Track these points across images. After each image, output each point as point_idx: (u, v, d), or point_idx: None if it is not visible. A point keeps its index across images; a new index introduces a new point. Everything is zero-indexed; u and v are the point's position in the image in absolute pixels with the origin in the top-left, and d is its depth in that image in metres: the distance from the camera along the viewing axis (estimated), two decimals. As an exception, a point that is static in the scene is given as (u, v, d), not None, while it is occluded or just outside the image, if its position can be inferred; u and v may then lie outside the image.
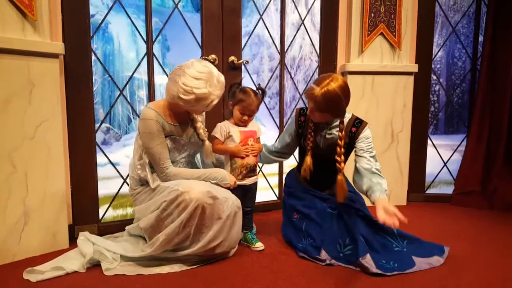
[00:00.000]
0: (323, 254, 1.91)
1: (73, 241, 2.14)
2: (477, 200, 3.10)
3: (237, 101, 2.07)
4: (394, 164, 3.09)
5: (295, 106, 2.88)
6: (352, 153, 2.15)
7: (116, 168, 2.33)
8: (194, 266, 1.88)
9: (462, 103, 3.16)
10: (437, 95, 3.14)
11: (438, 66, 3.13)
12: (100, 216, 2.33)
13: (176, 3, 2.40)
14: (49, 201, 2.04)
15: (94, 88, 2.22)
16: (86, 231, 2.13)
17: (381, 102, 3.02)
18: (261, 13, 2.70)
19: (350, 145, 2.12)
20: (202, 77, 1.83)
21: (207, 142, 2.10)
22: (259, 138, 2.19)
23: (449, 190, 3.22)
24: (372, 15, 2.95)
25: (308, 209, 2.08)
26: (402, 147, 3.08)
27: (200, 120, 2.10)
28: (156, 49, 2.37)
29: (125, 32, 2.29)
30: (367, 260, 1.79)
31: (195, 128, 2.07)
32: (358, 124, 2.12)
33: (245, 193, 2.14)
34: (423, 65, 3.10)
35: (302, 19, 2.86)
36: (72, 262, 1.84)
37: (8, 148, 1.89)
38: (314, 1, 2.87)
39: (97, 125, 2.24)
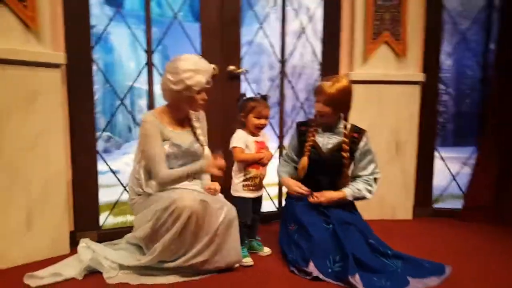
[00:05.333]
0: (311, 266, 2.02)
1: (74, 246, 2.29)
2: (488, 215, 3.13)
3: (250, 109, 2.26)
4: (399, 177, 3.18)
5: (296, 115, 3.05)
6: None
7: (116, 176, 2.51)
8: (195, 278, 2.01)
9: (472, 113, 3.27)
10: (445, 105, 3.26)
11: (447, 75, 3.25)
12: (101, 222, 2.51)
13: (176, 12, 2.60)
14: (50, 208, 2.22)
15: (96, 97, 2.42)
16: (87, 237, 2.30)
17: (385, 112, 3.12)
18: (261, 22, 2.88)
19: (351, 152, 2.29)
20: (186, 59, 2.04)
21: (206, 149, 2.25)
22: (267, 146, 2.38)
23: (458, 204, 3.27)
24: (377, 22, 3.10)
25: (303, 221, 2.20)
26: (407, 159, 3.17)
27: (199, 127, 2.26)
28: (156, 58, 2.57)
29: (126, 42, 2.49)
30: (356, 279, 1.89)
31: (195, 135, 2.24)
32: (358, 130, 2.33)
33: (256, 203, 2.33)
34: (431, 74, 3.19)
35: (303, 27, 3.02)
36: (70, 269, 2.00)
37: (10, 156, 2.07)
38: (316, 8, 3.04)
39: (98, 134, 2.44)
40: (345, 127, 2.31)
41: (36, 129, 2.15)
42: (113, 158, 2.45)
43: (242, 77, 2.84)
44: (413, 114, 3.16)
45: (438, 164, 3.29)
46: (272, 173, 2.55)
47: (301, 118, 2.84)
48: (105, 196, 2.49)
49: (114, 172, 2.49)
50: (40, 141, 2.17)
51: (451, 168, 3.30)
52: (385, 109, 3.13)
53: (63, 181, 2.27)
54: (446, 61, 3.27)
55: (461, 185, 3.29)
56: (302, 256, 2.11)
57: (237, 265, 2.15)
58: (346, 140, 2.27)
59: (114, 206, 2.53)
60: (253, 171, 2.25)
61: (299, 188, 2.29)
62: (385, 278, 1.98)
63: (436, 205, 3.34)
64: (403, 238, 2.73)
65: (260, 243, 2.39)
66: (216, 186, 2.15)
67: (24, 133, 2.11)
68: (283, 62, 2.95)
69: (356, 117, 3.08)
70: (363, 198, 2.31)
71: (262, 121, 2.26)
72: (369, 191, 2.31)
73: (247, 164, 2.26)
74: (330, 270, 2.03)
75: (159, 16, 2.54)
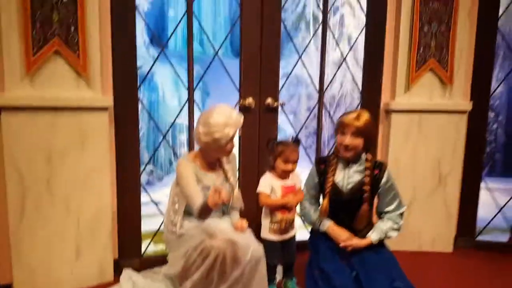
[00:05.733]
0: None
1: (118, 274, 2.50)
2: None
3: (279, 153, 2.30)
4: (441, 208, 3.11)
5: (333, 145, 3.06)
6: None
7: (158, 207, 2.70)
8: None
9: (523, 143, 3.14)
10: (494, 133, 3.13)
11: (497, 102, 3.12)
12: (143, 250, 2.71)
13: (217, 50, 2.71)
14: (97, 238, 2.44)
15: (140, 134, 2.60)
16: (130, 264, 2.52)
17: (428, 143, 3.05)
18: (300, 54, 2.92)
19: (373, 190, 2.28)
20: (220, 112, 2.12)
21: (236, 191, 2.37)
22: (300, 188, 2.42)
23: (504, 238, 3.17)
24: (421, 49, 3.03)
25: (327, 268, 2.20)
26: (450, 191, 3.09)
27: (229, 168, 2.38)
28: (197, 95, 2.70)
29: (169, 81, 2.64)
30: None
31: (226, 177, 2.36)
32: (379, 166, 2.31)
33: (284, 247, 2.39)
34: (479, 101, 3.08)
35: (344, 55, 3.02)
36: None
37: (65, 192, 2.30)
38: (358, 36, 3.02)
39: (142, 167, 2.63)
40: (366, 161, 2.28)
41: (87, 167, 2.36)
42: (155, 189, 2.61)
43: (279, 109, 2.90)
44: (457, 144, 3.06)
45: (484, 195, 3.18)
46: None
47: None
48: (146, 225, 2.68)
49: (156, 203, 2.68)
50: (90, 178, 2.38)
51: (499, 200, 3.18)
52: (428, 139, 3.06)
53: (109, 213, 2.48)
54: (496, 87, 3.13)
55: (508, 217, 3.17)
56: None
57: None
58: (367, 180, 2.24)
59: (155, 235, 2.72)
60: (279, 215, 2.31)
61: (348, 238, 2.28)
62: None
63: (479, 238, 3.24)
64: (442, 271, 2.70)
65: (294, 284, 2.46)
66: (244, 223, 2.24)
67: (77, 171, 2.33)
68: (321, 91, 2.98)
69: (397, 147, 3.06)
70: (389, 237, 2.32)
71: (289, 166, 2.29)
72: (396, 229, 2.31)
73: (273, 208, 2.34)
74: None
75: (200, 54, 2.64)
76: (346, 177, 2.31)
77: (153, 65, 2.57)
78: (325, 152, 3.07)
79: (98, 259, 2.48)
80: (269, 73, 2.83)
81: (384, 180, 2.29)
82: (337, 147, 2.34)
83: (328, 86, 3.02)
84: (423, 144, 3.07)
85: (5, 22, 2.09)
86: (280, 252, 2.40)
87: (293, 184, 2.38)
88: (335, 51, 2.99)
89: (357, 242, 2.26)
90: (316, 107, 3.01)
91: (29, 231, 2.24)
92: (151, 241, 2.73)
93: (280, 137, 2.87)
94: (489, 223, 3.21)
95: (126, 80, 2.53)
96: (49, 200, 2.27)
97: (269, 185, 2.33)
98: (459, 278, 2.60)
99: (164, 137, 2.65)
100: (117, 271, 2.54)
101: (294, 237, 2.44)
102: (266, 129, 2.85)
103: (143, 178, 2.62)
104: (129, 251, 2.66)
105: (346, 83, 3.03)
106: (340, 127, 2.27)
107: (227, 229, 2.23)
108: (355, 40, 3.03)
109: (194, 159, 2.25)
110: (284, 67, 2.89)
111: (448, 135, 3.06)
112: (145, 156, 2.60)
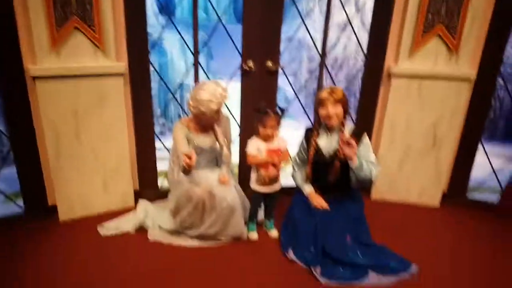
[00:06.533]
0: (290, 253, 2.61)
1: (138, 201, 3.21)
2: None
3: (260, 120, 2.68)
4: (432, 166, 3.31)
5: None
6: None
7: (169, 152, 3.25)
8: (207, 244, 2.74)
9: (529, 113, 3.07)
10: (500, 100, 3.10)
11: (509, 70, 3.02)
12: (159, 185, 3.37)
13: (220, 16, 2.94)
14: (120, 176, 3.10)
15: (153, 93, 3.06)
16: (148, 195, 3.21)
17: (426, 109, 3.16)
18: (303, 17, 3.02)
19: None
20: (206, 89, 2.54)
21: (225, 149, 2.82)
22: (286, 149, 2.78)
23: (494, 198, 3.31)
24: (430, 15, 2.96)
25: (295, 215, 2.71)
26: (443, 152, 3.25)
27: (220, 131, 2.81)
28: (201, 58, 3.03)
29: (176, 46, 2.99)
30: (317, 271, 2.42)
31: (216, 137, 2.81)
32: (357, 133, 2.63)
33: (267, 197, 2.86)
34: (490, 68, 3.04)
35: (349, 18, 3.06)
36: (127, 224, 2.92)
37: (92, 141, 2.92)
38: (367, -2, 3.02)
39: (155, 120, 3.14)
40: (340, 131, 2.61)
41: (107, 122, 2.93)
42: (167, 138, 3.15)
43: (280, 71, 3.14)
44: (457, 111, 3.13)
45: (481, 158, 3.28)
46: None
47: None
48: (161, 165, 3.27)
49: (168, 149, 3.23)
50: (111, 130, 2.96)
51: (496, 164, 3.27)
52: (426, 105, 3.16)
53: (128, 156, 3.09)
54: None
55: (502, 181, 3.27)
56: (288, 242, 2.70)
57: (244, 237, 2.83)
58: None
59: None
60: (262, 172, 2.72)
61: (320, 204, 2.71)
62: (349, 269, 2.44)
63: (471, 196, 3.42)
64: (424, 223, 3.09)
65: (272, 225, 2.96)
66: (225, 177, 2.75)
67: (99, 125, 2.91)
68: (323, 55, 3.12)
69: (394, 111, 3.21)
70: (364, 174, 2.55)
71: (268, 131, 2.64)
72: (370, 171, 2.56)
73: (258, 166, 2.76)
74: (303, 258, 2.55)
75: (205, 20, 2.92)
76: (329, 144, 2.66)
77: (162, 31, 2.91)
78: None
79: (121, 191, 3.17)
80: (270, 37, 3.03)
81: (361, 147, 2.59)
82: (321, 120, 2.66)
83: (331, 48, 3.13)
84: (421, 109, 3.17)
85: (32, 6, 2.53)
86: (263, 200, 2.89)
87: (277, 146, 2.75)
88: (340, 14, 3.05)
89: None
90: (318, 69, 3.18)
91: (65, 170, 2.93)
92: (164, 178, 3.36)
93: (279, 97, 3.16)
94: (483, 183, 3.33)
95: (139, 48, 2.93)
96: (78, 147, 2.91)
97: (255, 147, 2.73)
98: (439, 230, 2.92)
99: (173, 95, 3.09)
100: (137, 200, 3.24)
101: (277, 191, 2.87)
102: (266, 91, 3.15)
103: (157, 129, 3.14)
104: (148, 184, 3.33)
105: (350, 46, 3.12)
106: (320, 103, 2.57)
107: (212, 180, 2.75)
108: (363, 3, 3.04)
109: (188, 123, 2.72)
110: (287, 31, 3.05)
111: (448, 103, 3.12)
112: (157, 111, 3.07)
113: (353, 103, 3.45)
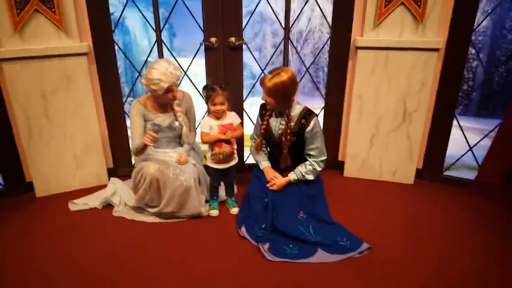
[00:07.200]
0: (243, 230, 2.64)
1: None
2: (498, 193, 3.02)
3: (208, 97, 2.72)
4: (403, 143, 3.24)
5: (300, 80, 3.24)
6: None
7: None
8: (169, 220, 2.82)
9: (504, 83, 2.92)
10: (473, 72, 2.97)
11: (480, 38, 2.88)
12: (133, 162, 3.48)
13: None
14: (92, 154, 3.23)
15: (119, 71, 3.15)
16: (123, 173, 3.33)
17: (393, 80, 3.08)
18: (264, -9, 3.00)
19: (299, 134, 2.61)
20: (157, 67, 2.58)
21: (184, 128, 2.87)
22: (239, 124, 2.84)
23: (471, 175, 3.21)
24: (394, -18, 2.87)
25: (251, 193, 2.78)
26: (414, 127, 3.17)
27: (180, 110, 2.86)
28: (164, 36, 3.08)
29: (139, 24, 3.05)
30: (264, 248, 2.43)
31: (175, 117, 2.86)
32: (307, 115, 2.59)
33: (224, 173, 2.91)
34: (460, 36, 2.93)
35: (313, -10, 3.02)
36: (95, 200, 3.04)
37: (59, 120, 3.04)
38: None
39: (124, 99, 3.23)
40: (286, 116, 2.57)
41: (76, 101, 3.05)
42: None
43: (244, 46, 3.15)
44: (426, 82, 3.04)
45: (456, 134, 3.17)
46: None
47: (307, 82, 3.08)
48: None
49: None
50: (79, 109, 3.08)
51: (471, 139, 3.15)
52: (394, 77, 3.09)
53: (98, 135, 3.21)
54: (481, 22, 2.91)
55: (478, 156, 3.16)
56: (242, 219, 2.74)
57: (205, 214, 2.89)
58: (289, 130, 2.56)
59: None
60: (216, 149, 2.77)
61: (273, 179, 2.73)
62: (297, 247, 2.46)
63: (447, 173, 3.33)
64: (399, 199, 3.08)
65: (233, 203, 2.99)
66: (183, 157, 2.80)
67: (66, 104, 3.03)
68: (287, 28, 3.09)
69: (361, 84, 3.16)
70: (309, 177, 2.67)
71: (217, 107, 2.68)
72: (312, 173, 2.66)
73: (211, 143, 2.81)
74: (254, 235, 2.59)
75: (165, -3, 2.95)
76: (278, 124, 2.67)
77: (123, 11, 2.98)
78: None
79: (95, 168, 3.30)
80: (231, 12, 3.04)
81: (309, 128, 2.58)
82: None
83: (294, 22, 3.10)
84: (388, 81, 3.10)
85: (-8, -8, 2.66)
86: (220, 177, 2.94)
87: (230, 123, 2.80)
88: (302, -15, 3.00)
89: (280, 182, 2.68)
90: (282, 43, 3.16)
91: (38, 149, 3.08)
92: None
93: (245, 73, 3.17)
94: (459, 160, 3.23)
95: (102, 27, 3.02)
96: (48, 127, 3.05)
97: (208, 125, 2.78)
98: (411, 207, 2.90)
99: (139, 73, 3.17)
100: (112, 177, 3.36)
101: (233, 166, 2.92)
102: (231, 67, 3.17)
103: (126, 107, 3.23)
104: (121, 162, 3.45)
105: (315, 19, 3.08)
106: (260, 85, 2.57)
107: (170, 160, 2.82)
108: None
109: (145, 102, 2.79)
110: (247, 5, 3.04)
111: (416, 73, 3.04)
112: (125, 90, 3.16)
113: (321, 77, 3.39)
